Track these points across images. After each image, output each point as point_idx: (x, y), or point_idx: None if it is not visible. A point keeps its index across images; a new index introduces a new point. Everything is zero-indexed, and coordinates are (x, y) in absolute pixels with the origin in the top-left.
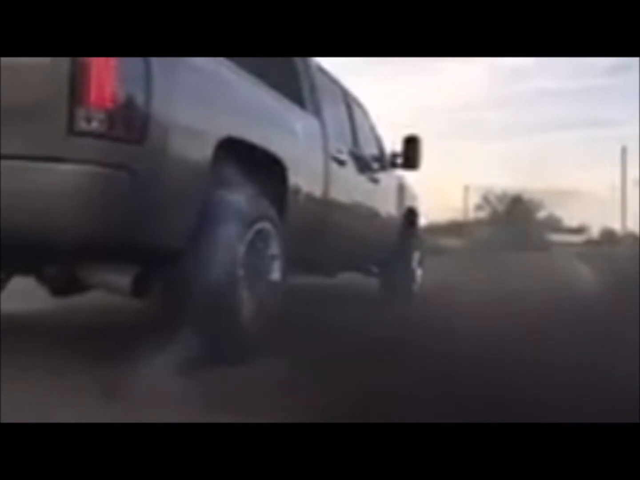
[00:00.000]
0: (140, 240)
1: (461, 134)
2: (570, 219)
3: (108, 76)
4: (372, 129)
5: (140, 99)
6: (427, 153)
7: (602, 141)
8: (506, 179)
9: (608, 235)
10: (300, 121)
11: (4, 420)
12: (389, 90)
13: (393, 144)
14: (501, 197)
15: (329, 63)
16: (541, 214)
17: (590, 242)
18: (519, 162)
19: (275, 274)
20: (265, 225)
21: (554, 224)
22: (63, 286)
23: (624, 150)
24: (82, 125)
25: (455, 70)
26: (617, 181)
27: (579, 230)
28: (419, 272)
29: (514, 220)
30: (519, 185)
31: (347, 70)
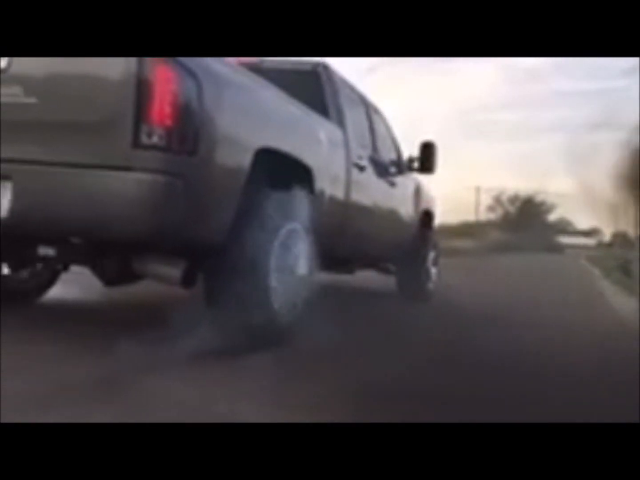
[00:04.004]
0: (190, 237)
1: (474, 135)
2: (582, 222)
3: (167, 97)
4: (390, 133)
5: (193, 115)
6: (439, 154)
7: (616, 143)
8: (518, 181)
9: (620, 238)
10: (325, 131)
11: (4, 420)
12: (401, 91)
13: (408, 147)
14: (513, 199)
15: (339, 63)
16: (553, 216)
17: (602, 245)
18: (530, 164)
19: (303, 269)
20: (294, 225)
21: (566, 226)
22: (115, 277)
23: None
24: (145, 139)
25: (468, 70)
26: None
27: (591, 232)
28: (434, 271)
29: (526, 222)
30: (530, 187)
31: (360, 70)
